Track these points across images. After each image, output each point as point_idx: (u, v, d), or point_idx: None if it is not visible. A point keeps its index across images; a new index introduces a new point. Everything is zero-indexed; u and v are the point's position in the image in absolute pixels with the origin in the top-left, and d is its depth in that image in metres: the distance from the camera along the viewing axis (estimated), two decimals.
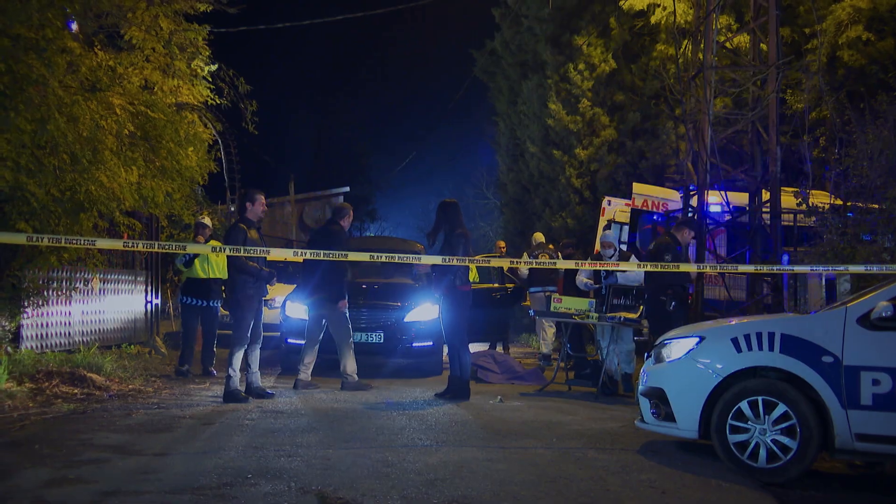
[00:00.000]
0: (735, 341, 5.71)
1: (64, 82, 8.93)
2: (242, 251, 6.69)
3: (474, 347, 10.32)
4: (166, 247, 6.41)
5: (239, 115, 13.69)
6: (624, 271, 9.63)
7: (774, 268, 8.72)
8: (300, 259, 10.54)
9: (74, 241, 6.04)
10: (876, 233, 10.13)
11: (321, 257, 6.61)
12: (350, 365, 9.13)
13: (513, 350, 14.19)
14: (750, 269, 9.51)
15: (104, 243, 7.41)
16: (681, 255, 9.59)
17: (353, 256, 6.63)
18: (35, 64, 7.58)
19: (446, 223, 8.74)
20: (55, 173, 8.70)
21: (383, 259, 6.60)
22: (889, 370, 5.26)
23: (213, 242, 9.98)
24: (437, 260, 7.46)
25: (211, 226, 10.71)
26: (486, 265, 12.49)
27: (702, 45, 12.65)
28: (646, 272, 9.00)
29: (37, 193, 8.36)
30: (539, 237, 14.05)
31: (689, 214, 12.70)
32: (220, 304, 10.32)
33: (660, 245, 9.57)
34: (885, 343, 5.33)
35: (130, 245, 6.80)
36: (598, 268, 9.81)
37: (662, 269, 8.03)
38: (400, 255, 7.07)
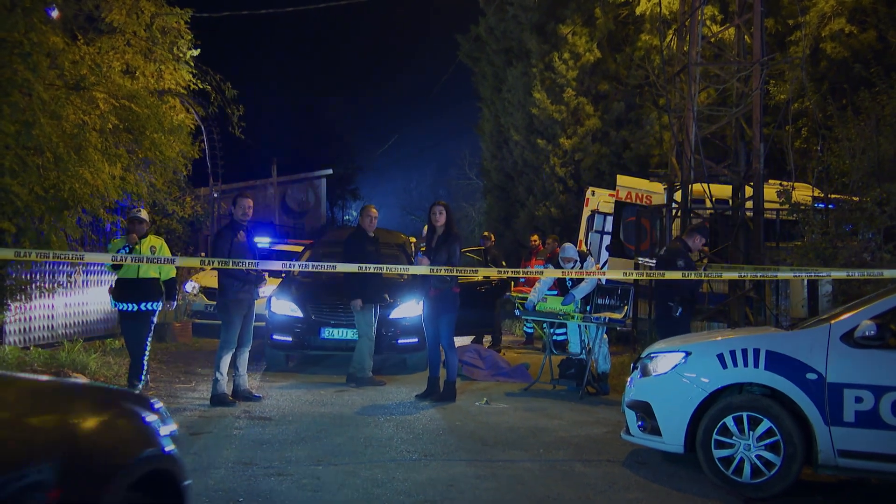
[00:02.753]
0: (721, 357, 5.79)
1: (47, 80, 8.82)
2: (231, 264, 6.66)
3: (459, 341, 10.35)
4: (155, 260, 6.37)
5: (221, 97, 13.57)
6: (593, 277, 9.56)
7: (758, 274, 8.77)
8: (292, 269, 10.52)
9: (63, 255, 5.95)
10: (856, 232, 10.21)
11: (287, 268, 6.59)
12: (367, 363, 9.56)
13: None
14: (734, 275, 9.57)
15: (93, 257, 7.34)
16: (691, 261, 9.21)
17: (342, 268, 6.63)
18: (20, 68, 7.49)
19: (448, 227, 8.74)
20: (39, 172, 8.62)
21: (373, 270, 6.61)
22: (871, 388, 5.34)
23: (153, 239, 9.25)
24: (425, 271, 7.46)
25: (148, 220, 9.18)
26: (475, 276, 12.53)
27: (687, 39, 12.63)
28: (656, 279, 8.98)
29: (20, 193, 8.29)
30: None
31: (674, 209, 12.76)
32: (157, 308, 8.78)
33: (672, 251, 9.28)
34: (868, 361, 5.40)
35: (119, 259, 6.67)
36: (574, 276, 9.58)
37: (645, 278, 8.06)
38: (388, 266, 7.07)
